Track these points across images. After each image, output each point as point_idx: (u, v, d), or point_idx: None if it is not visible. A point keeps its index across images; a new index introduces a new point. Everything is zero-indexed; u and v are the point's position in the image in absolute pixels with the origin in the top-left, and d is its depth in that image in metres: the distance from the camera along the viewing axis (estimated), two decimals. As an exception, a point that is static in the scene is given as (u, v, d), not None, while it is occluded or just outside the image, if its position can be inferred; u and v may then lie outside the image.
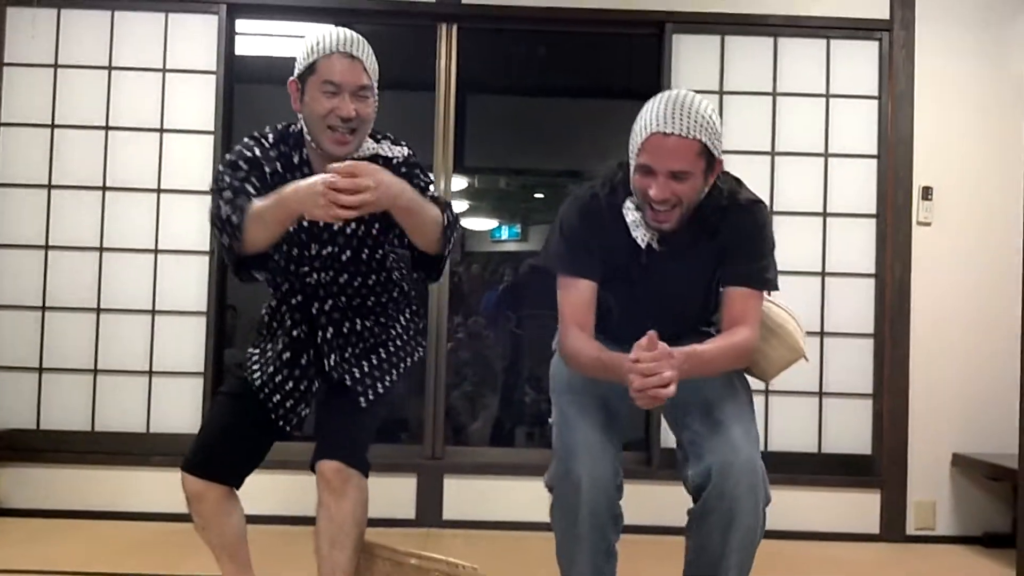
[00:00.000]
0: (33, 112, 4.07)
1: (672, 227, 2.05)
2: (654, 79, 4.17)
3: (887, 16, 4.14)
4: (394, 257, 2.31)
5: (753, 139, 4.14)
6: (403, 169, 2.16)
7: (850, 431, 4.09)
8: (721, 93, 4.13)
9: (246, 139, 2.19)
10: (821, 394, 4.10)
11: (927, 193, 4.10)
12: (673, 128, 1.95)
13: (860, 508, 4.04)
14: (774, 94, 4.17)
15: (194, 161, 4.04)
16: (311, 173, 2.10)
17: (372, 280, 2.26)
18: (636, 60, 4.49)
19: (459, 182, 5.79)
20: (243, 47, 4.26)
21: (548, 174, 6.44)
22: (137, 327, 4.03)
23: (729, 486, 1.96)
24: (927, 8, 4.14)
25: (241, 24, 4.22)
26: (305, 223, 2.16)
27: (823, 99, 4.17)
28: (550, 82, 5.62)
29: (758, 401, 3.49)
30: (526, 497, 3.88)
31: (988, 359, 4.05)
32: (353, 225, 2.18)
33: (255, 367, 2.26)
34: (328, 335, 2.22)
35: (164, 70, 4.10)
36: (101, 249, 4.05)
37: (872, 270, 4.13)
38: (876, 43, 4.17)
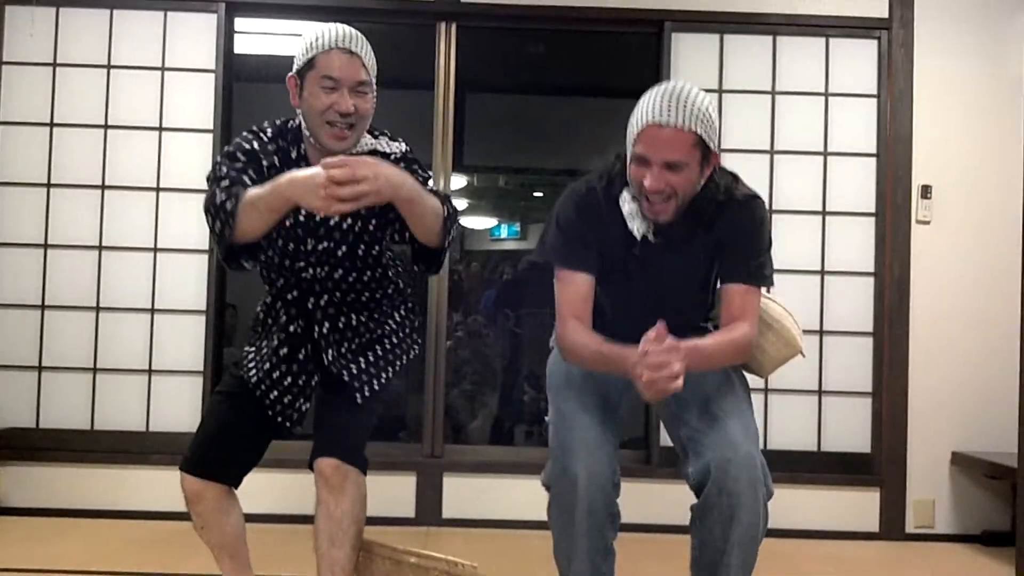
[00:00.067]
0: (32, 111, 4.06)
1: (668, 219, 2.06)
2: (653, 78, 4.16)
3: (886, 15, 4.15)
4: (390, 254, 2.32)
5: (752, 138, 4.14)
6: (401, 164, 2.16)
7: (849, 429, 4.09)
8: (720, 92, 4.13)
9: (245, 133, 2.20)
10: (820, 392, 4.10)
11: (926, 191, 4.10)
12: (669, 119, 1.96)
13: (859, 506, 4.04)
14: (773, 93, 4.17)
15: (193, 160, 4.03)
16: None
17: (367, 276, 2.27)
18: (635, 59, 4.49)
19: (458, 181, 5.80)
20: (242, 45, 4.26)
21: (547, 173, 6.45)
22: (136, 326, 4.03)
23: (729, 482, 1.96)
24: (926, 7, 4.14)
25: (240, 22, 4.22)
26: (302, 218, 2.16)
27: (822, 98, 4.17)
28: (549, 81, 5.62)
29: (758, 399, 3.49)
30: (525, 496, 3.88)
31: (987, 357, 4.05)
32: (350, 221, 2.19)
33: (251, 364, 2.26)
34: (324, 330, 2.22)
35: (163, 68, 4.10)
36: (100, 248, 4.04)
37: (871, 268, 4.13)
38: (875, 42, 4.17)
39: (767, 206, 2.37)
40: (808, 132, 4.16)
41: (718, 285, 2.18)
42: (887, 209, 4.10)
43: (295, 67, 2.15)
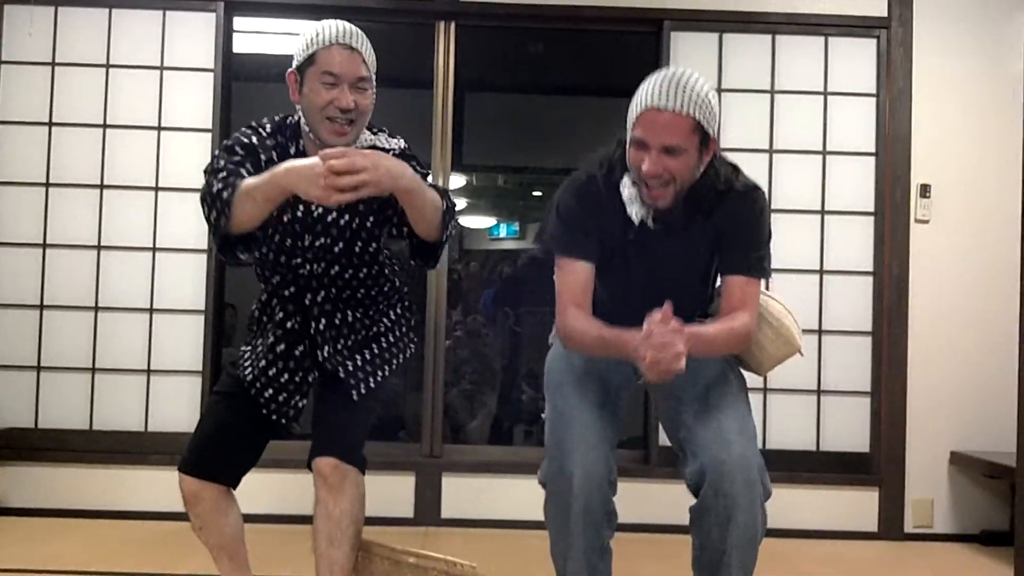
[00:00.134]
0: (31, 110, 4.06)
1: (667, 204, 2.06)
2: (652, 77, 4.17)
3: (885, 13, 4.15)
4: (386, 252, 2.32)
5: (751, 136, 4.14)
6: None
7: (848, 429, 4.09)
8: (719, 91, 4.13)
9: (244, 128, 2.21)
10: (819, 392, 4.10)
11: (925, 191, 4.10)
12: (667, 103, 1.96)
13: (858, 506, 4.04)
14: (772, 91, 4.17)
15: (192, 159, 4.02)
16: None
17: (363, 273, 2.27)
18: (635, 58, 4.49)
19: (457, 180, 5.79)
20: (241, 45, 4.26)
21: (546, 172, 6.44)
22: (135, 325, 4.03)
23: (724, 483, 1.96)
24: (925, 6, 4.14)
25: (239, 22, 4.22)
26: (299, 213, 2.17)
27: (821, 96, 4.17)
28: (548, 80, 5.62)
29: (756, 399, 3.49)
30: (524, 495, 3.84)
31: (986, 356, 4.05)
32: (347, 217, 2.19)
33: (247, 363, 2.26)
34: (321, 326, 2.22)
35: (162, 68, 4.10)
36: (99, 247, 4.04)
37: (870, 268, 4.13)
38: (874, 40, 4.17)
39: (765, 194, 2.36)
40: (807, 131, 4.16)
41: (718, 280, 2.18)
42: (886, 208, 4.10)
43: (295, 63, 2.15)
